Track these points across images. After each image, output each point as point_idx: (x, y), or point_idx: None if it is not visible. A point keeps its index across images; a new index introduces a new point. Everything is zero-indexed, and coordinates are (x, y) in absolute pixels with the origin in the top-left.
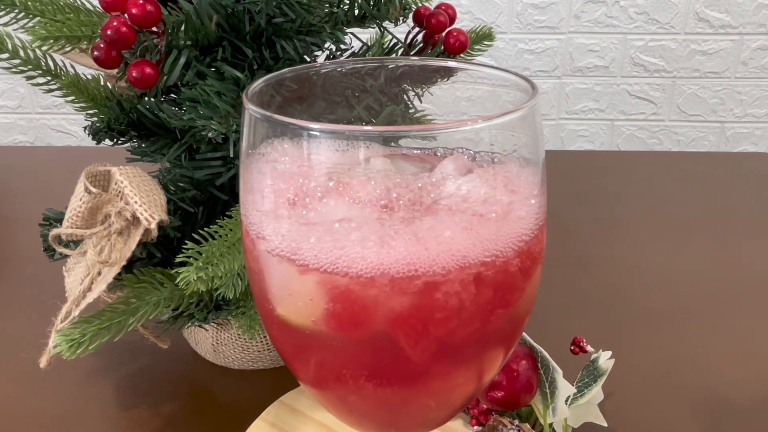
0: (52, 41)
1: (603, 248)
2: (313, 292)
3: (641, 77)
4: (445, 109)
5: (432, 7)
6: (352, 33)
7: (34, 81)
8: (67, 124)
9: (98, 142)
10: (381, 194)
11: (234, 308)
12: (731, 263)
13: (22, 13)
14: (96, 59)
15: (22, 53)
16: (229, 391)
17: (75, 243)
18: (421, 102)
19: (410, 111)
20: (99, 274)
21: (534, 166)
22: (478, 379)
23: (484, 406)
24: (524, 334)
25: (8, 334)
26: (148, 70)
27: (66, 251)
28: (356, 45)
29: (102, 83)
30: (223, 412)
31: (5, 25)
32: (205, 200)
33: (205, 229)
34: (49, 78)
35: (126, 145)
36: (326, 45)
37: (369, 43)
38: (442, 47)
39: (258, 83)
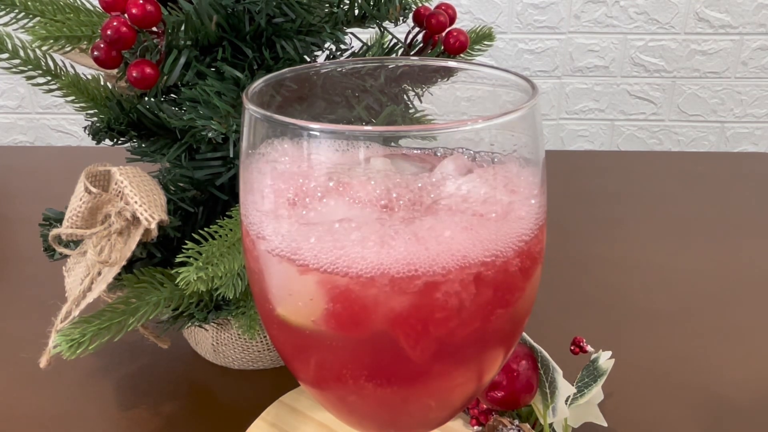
0: (52, 41)
1: (603, 248)
2: (313, 292)
3: (641, 77)
4: (445, 109)
5: (432, 7)
6: (352, 33)
7: (34, 81)
8: (67, 124)
9: (98, 142)
10: (381, 194)
11: (234, 308)
12: (731, 263)
13: (22, 13)
14: (96, 59)
15: (22, 53)
16: (229, 391)
17: (75, 243)
18: (421, 102)
19: (410, 111)
20: (99, 274)
21: (534, 166)
22: (478, 379)
23: (484, 406)
24: (524, 334)
25: (8, 334)
26: (148, 70)
27: (66, 251)
28: (356, 45)
29: (102, 83)
30: (223, 412)
31: (5, 25)
32: (205, 200)
33: (205, 229)
34: (49, 78)
35: (126, 145)
36: (326, 45)
37: (369, 43)
38: (442, 47)
39: (258, 83)
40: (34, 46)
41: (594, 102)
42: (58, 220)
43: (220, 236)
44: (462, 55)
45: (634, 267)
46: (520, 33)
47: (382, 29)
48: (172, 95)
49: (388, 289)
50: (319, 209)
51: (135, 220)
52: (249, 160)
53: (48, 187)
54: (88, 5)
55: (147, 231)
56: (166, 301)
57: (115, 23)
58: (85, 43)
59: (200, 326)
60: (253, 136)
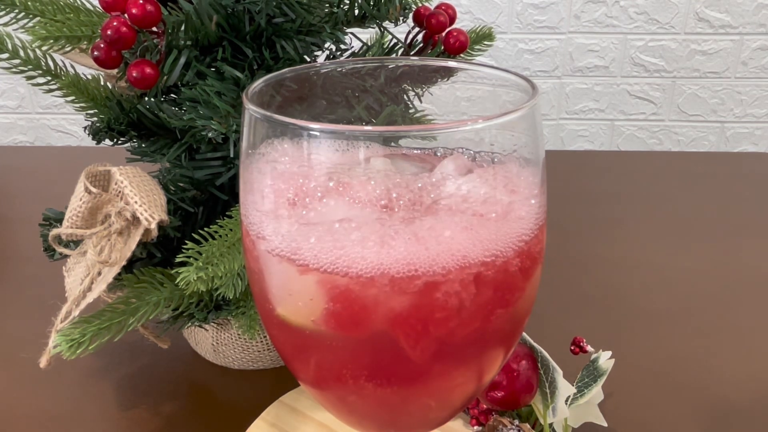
0: (52, 41)
1: (603, 248)
2: (313, 292)
3: (641, 77)
4: (445, 109)
5: (432, 7)
6: (352, 33)
7: (34, 81)
8: (67, 124)
9: (98, 142)
10: (381, 194)
11: (234, 308)
12: (731, 263)
13: (22, 13)
14: (96, 59)
15: (22, 53)
16: (229, 391)
17: (75, 243)
18: (421, 102)
19: (410, 111)
20: (99, 274)
21: (534, 166)
22: (478, 379)
23: (484, 406)
24: (524, 334)
25: (8, 334)
26: (148, 70)
27: (66, 251)
28: (356, 45)
29: (102, 83)
30: (223, 412)
31: (5, 25)
32: (205, 200)
33: (205, 229)
34: (49, 78)
35: (126, 145)
36: (326, 45)
37: (369, 43)
38: (442, 47)
39: (258, 83)
40: (34, 46)
41: (594, 102)
42: (58, 220)
43: (220, 236)
44: (462, 55)
45: (634, 267)
46: (520, 33)
47: (382, 29)
48: (172, 95)
49: (388, 289)
50: (319, 209)
51: (135, 220)
52: (249, 160)
53: (48, 187)
54: (88, 5)
55: (147, 231)
56: (166, 301)
57: (115, 23)
58: (85, 43)
59: (200, 326)
60: (253, 136)
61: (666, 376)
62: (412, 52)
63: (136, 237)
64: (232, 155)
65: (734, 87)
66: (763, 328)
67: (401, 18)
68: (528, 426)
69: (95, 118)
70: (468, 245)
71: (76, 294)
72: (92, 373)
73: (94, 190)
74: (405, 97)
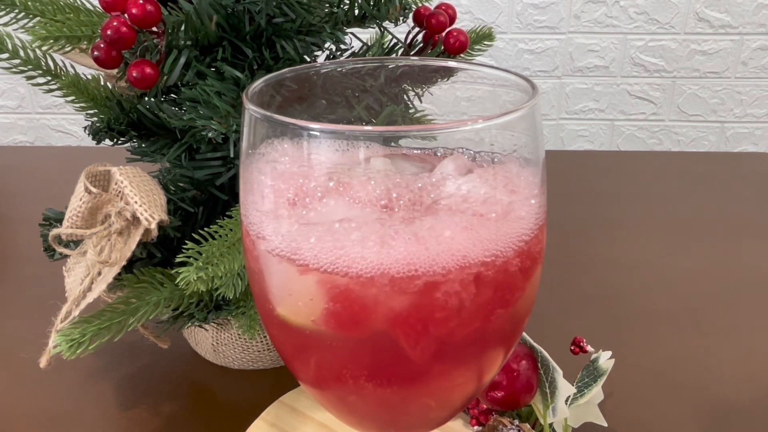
0: (52, 41)
1: (603, 248)
2: (313, 292)
3: (641, 77)
4: (445, 109)
5: (432, 7)
6: (352, 33)
7: (34, 81)
8: (67, 124)
9: (98, 142)
10: (381, 194)
11: (234, 308)
12: (731, 263)
13: (22, 13)
14: (96, 59)
15: (22, 53)
16: (229, 391)
17: (75, 243)
18: (421, 102)
19: (410, 111)
20: (99, 274)
21: (534, 166)
22: (478, 379)
23: (484, 406)
24: (524, 334)
25: (8, 334)
26: (148, 70)
27: (66, 251)
28: (356, 45)
29: (102, 83)
30: (223, 412)
31: (5, 25)
32: (205, 200)
33: (205, 229)
34: (49, 78)
35: (126, 145)
36: (326, 45)
37: (369, 43)
38: (442, 47)
39: (258, 83)
40: (34, 46)
41: (594, 102)
42: (58, 220)
43: (220, 236)
44: (462, 55)
45: (634, 267)
46: (520, 33)
47: (382, 29)
48: (172, 95)
49: (388, 289)
50: (319, 209)
51: (135, 220)
52: (249, 160)
53: (48, 187)
54: (88, 5)
55: (147, 231)
56: (166, 301)
57: (115, 23)
58: (85, 43)
59: (200, 326)
60: (253, 136)
61: (666, 376)
62: (412, 52)
63: (136, 237)
64: (232, 155)
65: (734, 87)
66: (763, 328)
67: (401, 18)
68: (528, 426)
69: (95, 118)
70: (468, 245)
71: (76, 294)
72: (92, 373)
73: (94, 190)
74: (405, 97)
